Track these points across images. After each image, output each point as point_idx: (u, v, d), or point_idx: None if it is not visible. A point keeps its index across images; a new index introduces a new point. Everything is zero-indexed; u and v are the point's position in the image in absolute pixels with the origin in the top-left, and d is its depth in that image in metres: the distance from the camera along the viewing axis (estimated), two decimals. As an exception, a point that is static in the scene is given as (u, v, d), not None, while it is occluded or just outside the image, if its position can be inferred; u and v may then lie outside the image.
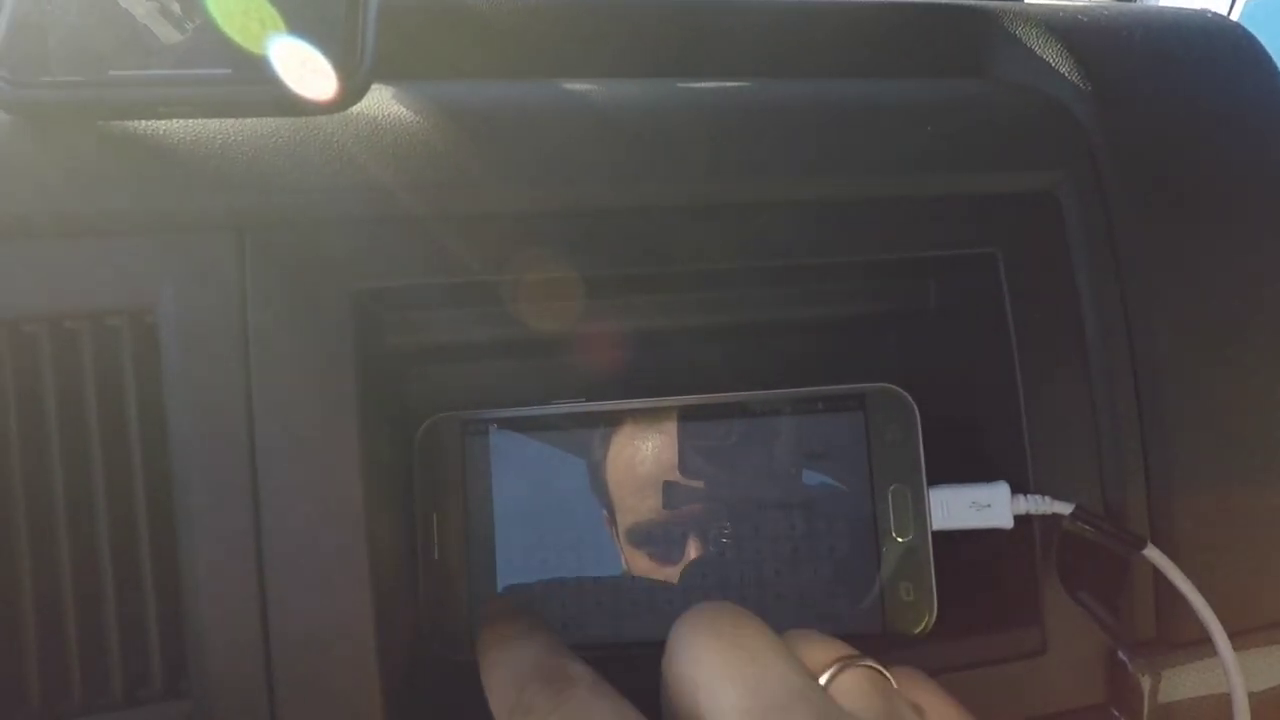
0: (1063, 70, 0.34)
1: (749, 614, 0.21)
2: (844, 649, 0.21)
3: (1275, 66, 0.39)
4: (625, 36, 0.36)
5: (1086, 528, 0.29)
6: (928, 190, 0.31)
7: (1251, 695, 0.30)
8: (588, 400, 0.31)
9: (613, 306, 0.32)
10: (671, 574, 0.30)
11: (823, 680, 0.20)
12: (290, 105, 0.24)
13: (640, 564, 0.30)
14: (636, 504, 0.30)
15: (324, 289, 0.25)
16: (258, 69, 0.24)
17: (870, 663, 0.20)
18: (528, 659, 0.22)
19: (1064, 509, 0.29)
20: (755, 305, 0.35)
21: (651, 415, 0.31)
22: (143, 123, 0.25)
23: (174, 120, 0.25)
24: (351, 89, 0.24)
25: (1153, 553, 0.29)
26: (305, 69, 0.24)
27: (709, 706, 0.18)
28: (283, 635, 0.24)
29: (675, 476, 0.30)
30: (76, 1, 0.25)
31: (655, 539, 0.30)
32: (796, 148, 0.31)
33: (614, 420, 0.31)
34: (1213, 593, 0.29)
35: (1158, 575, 0.30)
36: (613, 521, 0.30)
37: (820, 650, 0.21)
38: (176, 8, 0.26)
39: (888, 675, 0.20)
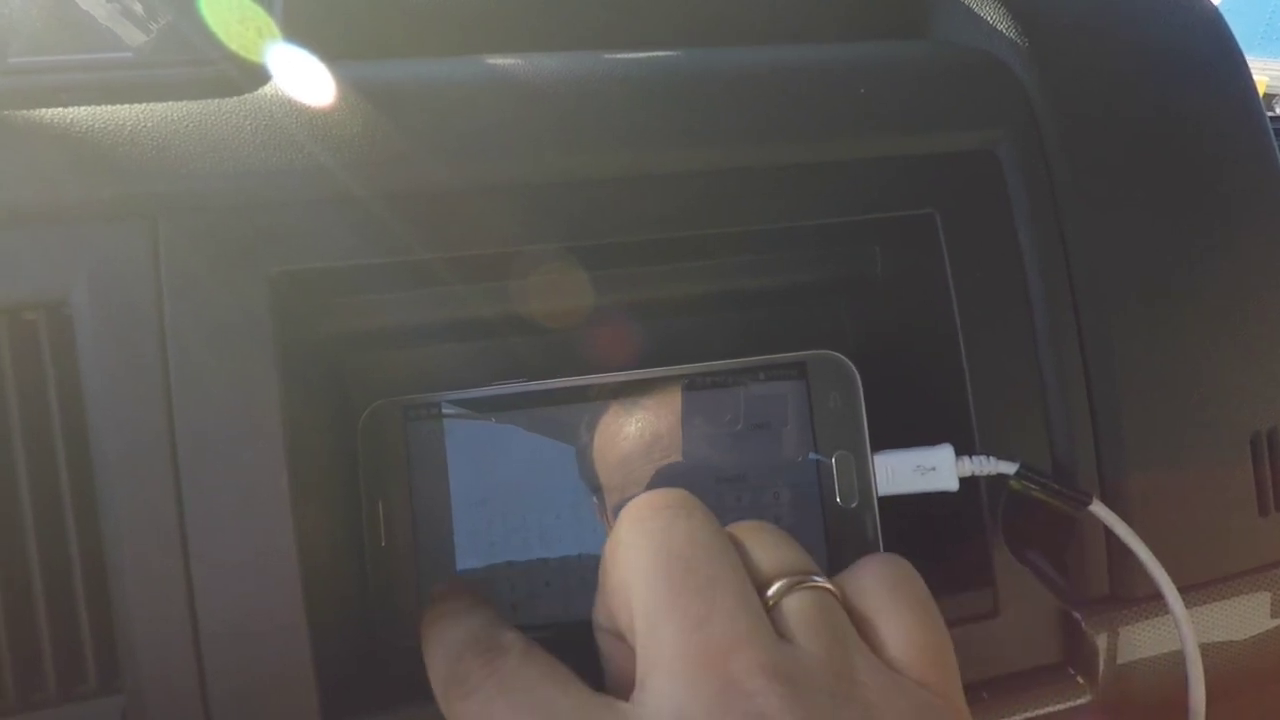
0: (1002, 28, 0.34)
1: (699, 510, 0.19)
2: (795, 557, 0.20)
3: (1222, 20, 0.38)
4: (556, 8, 0.36)
5: (1032, 486, 0.29)
6: (865, 152, 0.31)
7: (1206, 649, 0.30)
8: (529, 380, 0.31)
9: (554, 283, 0.32)
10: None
11: (770, 595, 0.18)
12: (194, 86, 0.23)
13: (592, 540, 0.30)
14: (588, 480, 0.30)
15: (239, 274, 0.25)
16: (165, 51, 0.24)
17: (820, 581, 0.19)
18: (463, 632, 0.22)
19: (1008, 468, 0.29)
20: (701, 277, 0.34)
21: (595, 391, 0.30)
22: (48, 110, 0.25)
23: (81, 107, 0.25)
24: (259, 69, 0.24)
25: (1099, 508, 0.28)
26: (210, 50, 0.24)
27: (645, 638, 0.17)
28: (212, 627, 0.24)
29: (622, 451, 0.30)
30: (37, 6, 0.25)
31: (610, 514, 0.30)
32: (733, 114, 0.30)
33: (557, 399, 0.31)
34: (1164, 548, 0.28)
35: (1109, 533, 0.29)
36: (565, 499, 0.30)
37: (771, 557, 0.19)
38: (139, 9, 0.25)
39: (835, 593, 0.19)
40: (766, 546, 0.20)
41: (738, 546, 0.20)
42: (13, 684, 0.25)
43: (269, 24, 0.27)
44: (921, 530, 0.31)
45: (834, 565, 0.29)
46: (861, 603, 0.20)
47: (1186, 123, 0.33)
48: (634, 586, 0.18)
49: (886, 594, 0.20)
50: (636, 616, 0.18)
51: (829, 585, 0.19)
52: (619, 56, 0.31)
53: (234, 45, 0.25)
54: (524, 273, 0.30)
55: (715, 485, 0.29)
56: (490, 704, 0.19)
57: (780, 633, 0.18)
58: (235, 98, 0.26)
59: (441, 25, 0.34)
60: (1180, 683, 0.29)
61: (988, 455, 0.29)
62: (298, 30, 0.27)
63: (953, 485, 0.29)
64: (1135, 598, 0.30)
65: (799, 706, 0.16)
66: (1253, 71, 0.37)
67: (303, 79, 0.27)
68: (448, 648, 0.22)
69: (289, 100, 0.27)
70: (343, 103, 0.27)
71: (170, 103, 0.25)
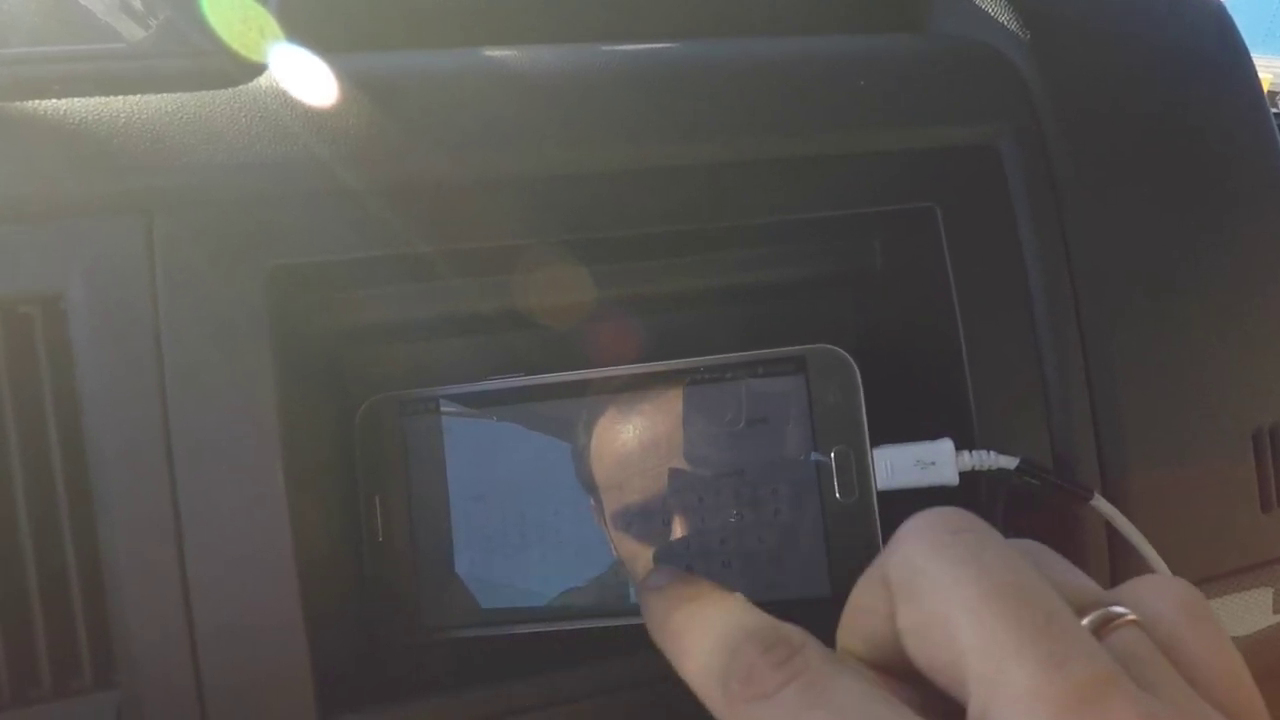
0: (1002, 20, 0.33)
1: (996, 532, 0.17)
2: (1090, 584, 0.18)
3: (1227, 15, 0.38)
4: (555, 1, 0.36)
5: (1033, 481, 0.28)
6: (866, 146, 0.31)
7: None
8: (527, 374, 0.31)
9: (553, 277, 0.32)
10: (623, 545, 0.30)
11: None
12: (190, 78, 0.23)
13: (591, 535, 0.30)
14: (586, 475, 0.30)
15: (235, 268, 0.25)
16: (158, 42, 0.24)
17: (1129, 614, 0.16)
18: (735, 619, 0.19)
19: (1009, 463, 0.28)
20: (701, 272, 0.34)
21: (593, 386, 0.30)
22: (41, 103, 0.25)
23: (75, 100, 0.25)
24: (255, 61, 0.24)
25: (1100, 503, 0.28)
26: (206, 42, 0.23)
27: (987, 677, 0.15)
28: (208, 623, 0.24)
29: (620, 446, 0.30)
30: (36, 1, 0.25)
31: (608, 510, 0.30)
32: (734, 107, 0.30)
33: (555, 394, 0.30)
34: (1166, 544, 0.28)
35: (1111, 528, 0.29)
36: (564, 494, 0.30)
37: (1070, 585, 0.17)
38: (138, 4, 0.25)
39: (1146, 630, 0.17)
40: (1061, 573, 0.18)
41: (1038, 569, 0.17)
42: (8, 680, 0.25)
43: (266, 17, 0.27)
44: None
45: (834, 560, 0.29)
46: (1162, 633, 0.17)
47: (1189, 118, 0.33)
48: (959, 622, 0.16)
49: (1189, 625, 0.17)
50: (970, 654, 0.15)
51: (1136, 618, 0.17)
52: (619, 49, 0.31)
53: (231, 38, 0.25)
54: (523, 267, 0.30)
55: (714, 480, 0.29)
56: (802, 715, 0.16)
57: None
58: (231, 90, 0.26)
59: (440, 17, 0.34)
60: (1182, 679, 0.28)
61: (988, 450, 0.29)
62: (294, 22, 0.26)
63: (953, 480, 0.29)
64: (1137, 594, 0.30)
65: None
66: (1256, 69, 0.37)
67: (300, 71, 0.27)
68: (719, 635, 0.18)
69: (286, 93, 0.26)
70: (340, 95, 0.27)
71: (166, 95, 0.25)
